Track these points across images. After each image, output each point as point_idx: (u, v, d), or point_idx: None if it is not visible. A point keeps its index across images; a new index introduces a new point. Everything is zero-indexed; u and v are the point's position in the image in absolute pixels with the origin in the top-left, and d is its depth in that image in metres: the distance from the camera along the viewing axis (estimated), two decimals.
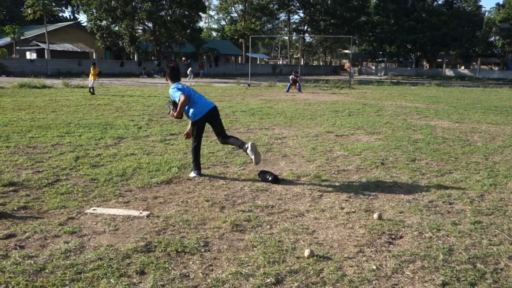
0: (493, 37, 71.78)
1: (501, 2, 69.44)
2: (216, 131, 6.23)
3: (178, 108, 5.84)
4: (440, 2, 70.31)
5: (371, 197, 5.37)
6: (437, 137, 9.70)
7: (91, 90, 19.78)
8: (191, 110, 5.96)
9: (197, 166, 6.17)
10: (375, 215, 4.63)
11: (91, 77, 19.91)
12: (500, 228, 4.42)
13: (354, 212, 4.83)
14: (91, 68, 20.20)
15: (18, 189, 5.33)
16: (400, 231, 4.29)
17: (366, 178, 6.21)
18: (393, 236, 4.17)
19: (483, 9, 72.33)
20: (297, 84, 24.60)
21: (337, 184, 5.89)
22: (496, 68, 67.90)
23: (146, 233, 4.13)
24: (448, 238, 4.15)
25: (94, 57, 43.56)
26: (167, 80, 6.20)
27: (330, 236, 4.18)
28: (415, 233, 4.25)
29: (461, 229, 4.35)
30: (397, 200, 5.26)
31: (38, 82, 23.08)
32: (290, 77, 25.44)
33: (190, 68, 40.61)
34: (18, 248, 3.75)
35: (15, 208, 4.67)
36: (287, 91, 24.33)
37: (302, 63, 63.25)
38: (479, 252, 3.84)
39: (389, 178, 6.24)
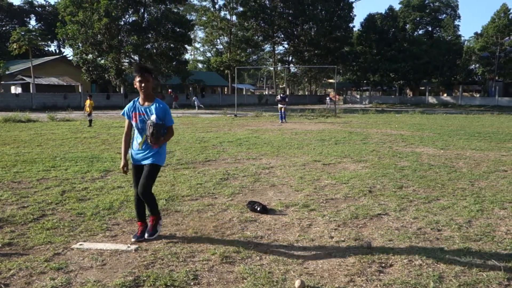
0: (473, 65, 73.39)
1: (479, 32, 71.43)
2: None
3: (166, 139, 4.72)
4: (420, 32, 72.14)
5: (360, 225, 5.38)
6: (423, 164, 9.79)
7: (89, 122, 20.11)
8: (163, 149, 4.82)
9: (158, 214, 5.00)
10: (365, 244, 4.62)
11: (88, 110, 20.22)
12: (489, 254, 4.44)
13: (344, 241, 4.82)
14: (89, 101, 20.49)
15: (3, 225, 5.24)
16: (390, 259, 4.28)
17: (354, 206, 6.22)
18: (383, 265, 4.16)
19: (462, 38, 73.88)
20: (283, 112, 24.25)
21: (325, 213, 5.89)
22: (478, 95, 69.20)
23: (134, 267, 4.07)
24: (438, 265, 4.15)
25: (80, 91, 43.57)
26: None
27: (320, 266, 4.15)
28: (405, 261, 4.25)
29: (450, 256, 4.36)
30: (385, 228, 5.27)
31: (23, 116, 22.96)
32: (278, 97, 25.07)
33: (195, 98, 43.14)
34: (2, 286, 3.66)
35: (0, 245, 4.58)
36: (283, 120, 24.06)
37: (287, 93, 63.87)
38: (469, 279, 3.84)
39: (377, 206, 6.25)
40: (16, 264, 4.09)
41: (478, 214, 5.83)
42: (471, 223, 5.45)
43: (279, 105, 24.53)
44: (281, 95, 25.13)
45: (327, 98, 43.04)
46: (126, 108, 4.73)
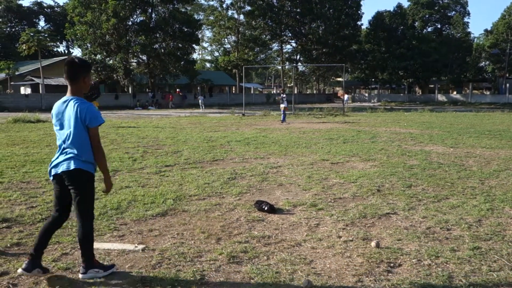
0: (483, 63, 72.90)
1: (489, 29, 70.90)
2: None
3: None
4: (429, 30, 71.69)
5: (369, 225, 5.34)
6: (432, 163, 9.71)
7: None
8: None
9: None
10: (373, 243, 4.58)
11: None
12: (499, 253, 4.39)
13: (352, 240, 4.78)
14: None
15: (12, 225, 5.26)
16: (399, 259, 4.25)
17: (362, 205, 6.18)
18: (391, 265, 4.12)
19: (471, 35, 73.32)
20: (283, 111, 23.13)
21: (333, 212, 5.85)
22: (488, 93, 68.72)
23: (141, 267, 4.06)
24: (447, 265, 4.11)
25: None
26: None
27: (328, 265, 4.12)
28: (413, 260, 4.21)
29: (460, 256, 4.31)
30: (394, 227, 5.22)
31: (33, 116, 23.09)
32: (281, 96, 24.00)
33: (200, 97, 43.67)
34: (11, 286, 3.68)
35: (8, 245, 4.60)
36: (283, 120, 22.98)
37: (295, 92, 63.78)
38: (479, 279, 3.80)
39: (386, 205, 6.21)
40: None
41: (488, 213, 5.76)
42: (481, 222, 5.39)
43: (281, 105, 23.52)
44: (282, 95, 24.38)
45: (345, 97, 42.54)
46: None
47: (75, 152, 3.70)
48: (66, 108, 3.73)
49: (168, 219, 5.57)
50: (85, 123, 3.65)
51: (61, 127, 3.76)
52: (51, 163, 3.81)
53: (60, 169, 3.72)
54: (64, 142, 3.74)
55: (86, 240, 3.84)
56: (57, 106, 3.82)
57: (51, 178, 3.84)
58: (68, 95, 3.78)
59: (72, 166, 3.69)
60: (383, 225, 5.30)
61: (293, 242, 4.73)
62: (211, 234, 4.97)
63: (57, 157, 3.79)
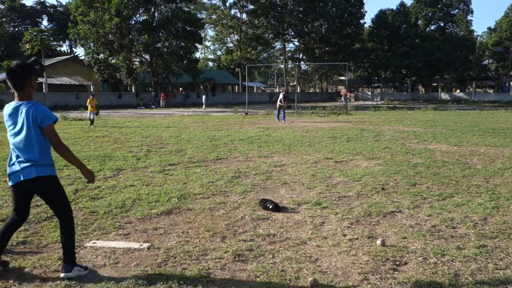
0: (487, 61, 72.63)
1: (492, 27, 70.62)
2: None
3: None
4: (432, 28, 71.45)
5: (373, 223, 5.33)
6: (436, 161, 9.69)
7: (91, 121, 19.95)
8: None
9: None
10: (378, 242, 4.58)
11: (90, 109, 20.09)
12: (505, 251, 4.37)
13: (357, 238, 4.78)
14: (90, 100, 20.37)
15: None
16: (404, 257, 4.24)
17: (367, 204, 6.17)
18: (397, 263, 4.12)
19: (475, 33, 73.07)
20: (282, 111, 22.81)
21: (338, 210, 5.84)
22: (491, 91, 68.45)
23: (147, 265, 4.07)
24: (453, 263, 4.10)
25: (92, 90, 43.87)
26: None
27: (334, 263, 4.12)
28: (419, 258, 4.20)
29: (466, 254, 4.30)
30: (399, 225, 5.21)
31: None
32: (280, 96, 23.37)
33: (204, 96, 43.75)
34: (17, 284, 3.68)
35: (14, 243, 4.61)
36: (284, 119, 22.65)
37: (298, 91, 63.71)
38: (485, 277, 3.79)
39: (391, 203, 6.19)
40: (31, 262, 4.12)
41: (493, 211, 5.74)
42: (486, 220, 5.38)
43: (278, 104, 23.06)
44: (284, 94, 23.92)
45: (343, 97, 42.37)
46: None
47: (33, 158, 3.61)
48: (19, 113, 3.63)
49: (173, 218, 5.57)
50: (38, 124, 3.57)
51: (16, 132, 3.65)
52: (9, 170, 3.71)
53: (22, 178, 3.62)
54: (19, 148, 3.64)
55: (70, 237, 3.87)
56: (8, 112, 3.71)
57: (11, 184, 3.74)
58: (17, 101, 3.68)
59: (33, 175, 3.60)
60: (388, 223, 5.30)
61: (298, 241, 4.72)
62: (216, 233, 4.97)
63: (14, 164, 3.67)
